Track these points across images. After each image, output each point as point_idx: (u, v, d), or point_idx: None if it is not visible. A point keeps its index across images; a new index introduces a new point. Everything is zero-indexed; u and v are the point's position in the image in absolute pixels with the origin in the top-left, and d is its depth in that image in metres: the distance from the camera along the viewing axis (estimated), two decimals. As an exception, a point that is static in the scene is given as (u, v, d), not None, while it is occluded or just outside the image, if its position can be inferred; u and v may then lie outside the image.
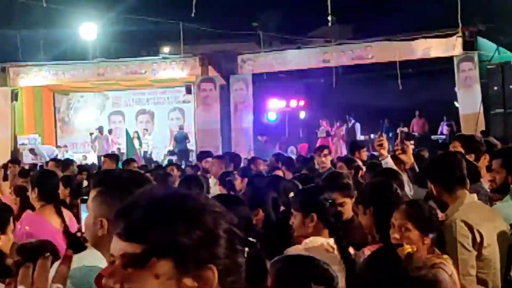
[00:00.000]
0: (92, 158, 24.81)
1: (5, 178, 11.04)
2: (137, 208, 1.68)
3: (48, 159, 21.53)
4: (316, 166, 10.96)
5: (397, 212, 4.31)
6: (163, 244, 1.62)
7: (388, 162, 6.94)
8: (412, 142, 15.35)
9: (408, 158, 6.94)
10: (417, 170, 6.97)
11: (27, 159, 22.93)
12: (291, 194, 5.16)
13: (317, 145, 18.06)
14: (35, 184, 6.15)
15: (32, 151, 23.97)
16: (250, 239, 1.79)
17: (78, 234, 3.75)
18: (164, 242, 1.62)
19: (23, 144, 24.64)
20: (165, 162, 20.91)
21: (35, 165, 19.61)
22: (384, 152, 7.07)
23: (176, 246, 1.62)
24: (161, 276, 1.62)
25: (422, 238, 4.09)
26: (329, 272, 2.97)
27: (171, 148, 27.01)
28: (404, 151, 6.90)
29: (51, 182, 6.23)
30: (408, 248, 3.23)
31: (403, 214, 4.27)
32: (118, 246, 1.68)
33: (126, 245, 1.65)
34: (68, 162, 12.82)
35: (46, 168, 13.22)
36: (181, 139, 25.92)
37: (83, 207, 3.70)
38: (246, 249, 1.75)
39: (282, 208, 5.72)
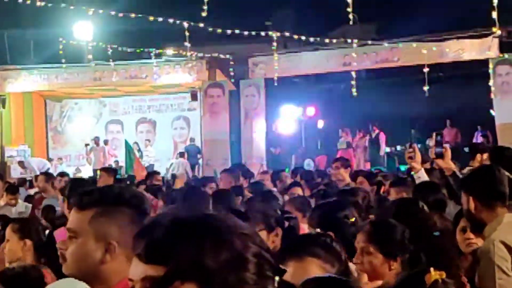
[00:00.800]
0: (87, 172, 24.81)
1: None
2: (160, 227, 1.73)
3: (38, 172, 21.38)
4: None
5: (359, 234, 4.33)
6: (187, 267, 1.66)
7: (421, 176, 6.87)
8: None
9: (447, 164, 6.74)
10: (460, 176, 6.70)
11: (16, 173, 23.39)
12: None
13: (337, 157, 17.50)
14: None
15: (21, 164, 24.20)
16: (281, 266, 1.83)
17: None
18: (189, 264, 1.66)
19: (11, 156, 24.86)
20: (169, 176, 20.92)
21: (24, 180, 19.72)
22: (416, 165, 6.99)
23: (201, 269, 1.66)
24: None
25: (388, 262, 4.02)
26: None
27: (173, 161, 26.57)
28: (441, 156, 6.69)
29: None
30: (435, 275, 3.04)
31: (365, 236, 4.27)
32: (139, 269, 1.72)
33: (148, 268, 1.70)
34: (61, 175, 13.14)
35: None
36: (194, 152, 25.73)
37: None
38: (277, 278, 1.77)
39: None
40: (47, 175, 13.61)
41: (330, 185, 10.49)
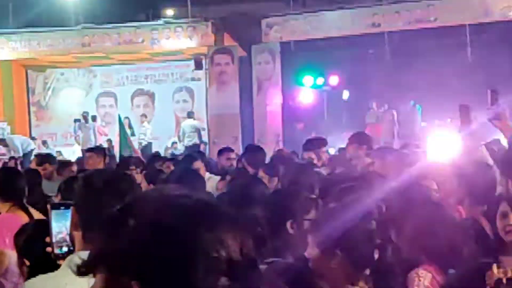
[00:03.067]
0: (76, 152, 24.92)
1: None
2: None
3: (21, 153, 21.72)
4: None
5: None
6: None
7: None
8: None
9: (506, 125, 6.61)
10: None
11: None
12: None
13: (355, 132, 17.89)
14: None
15: (2, 142, 24.27)
16: None
17: (49, 249, 3.88)
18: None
19: None
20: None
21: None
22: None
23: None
24: None
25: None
26: None
27: (175, 139, 26.92)
28: (499, 117, 6.51)
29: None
30: (499, 273, 3.15)
31: None
32: None
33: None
34: (65, 163, 13.06)
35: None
36: (190, 131, 25.42)
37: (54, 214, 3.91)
38: None
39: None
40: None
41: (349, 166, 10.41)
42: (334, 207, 4.90)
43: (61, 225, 4.01)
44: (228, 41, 24.82)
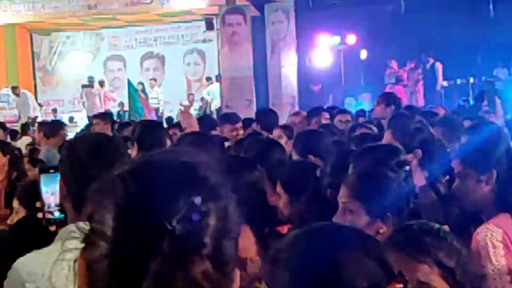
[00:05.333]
0: (84, 119, 25.00)
1: None
2: None
3: (32, 115, 22.20)
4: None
5: (342, 188, 4.36)
6: None
7: None
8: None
9: None
10: None
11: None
12: None
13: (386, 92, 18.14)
14: None
15: (16, 89, 25.46)
16: None
17: (39, 215, 3.83)
18: None
19: None
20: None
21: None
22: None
23: None
24: None
25: (376, 224, 4.04)
26: None
27: (187, 102, 26.85)
28: None
29: None
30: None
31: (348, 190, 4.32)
32: None
33: None
34: (56, 125, 12.78)
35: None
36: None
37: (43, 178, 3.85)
38: None
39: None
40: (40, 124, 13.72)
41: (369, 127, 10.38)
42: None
43: (51, 189, 3.91)
44: (240, 0, 24.55)
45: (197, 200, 1.67)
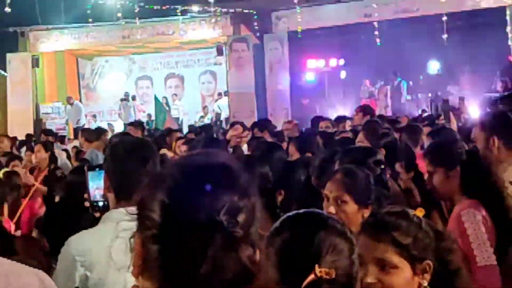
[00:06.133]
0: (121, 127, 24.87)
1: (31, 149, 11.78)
2: None
3: (82, 123, 22.25)
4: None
5: (330, 183, 4.26)
6: None
7: None
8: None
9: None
10: None
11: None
12: None
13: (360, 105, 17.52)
14: None
15: (70, 99, 25.87)
16: None
17: (87, 204, 4.03)
18: None
19: (46, 113, 25.17)
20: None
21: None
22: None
23: None
24: None
25: (362, 211, 4.01)
26: None
27: (202, 114, 27.14)
28: None
29: None
30: (419, 212, 2.96)
31: (337, 184, 4.22)
32: None
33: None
34: (99, 131, 13.05)
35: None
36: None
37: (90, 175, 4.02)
38: None
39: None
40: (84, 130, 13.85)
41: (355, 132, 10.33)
42: None
43: (96, 184, 4.05)
44: (244, 31, 24.66)
45: (236, 198, 1.68)
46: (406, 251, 2.76)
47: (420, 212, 2.92)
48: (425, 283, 2.79)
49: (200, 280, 1.64)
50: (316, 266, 2.18)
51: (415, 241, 2.83)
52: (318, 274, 2.15)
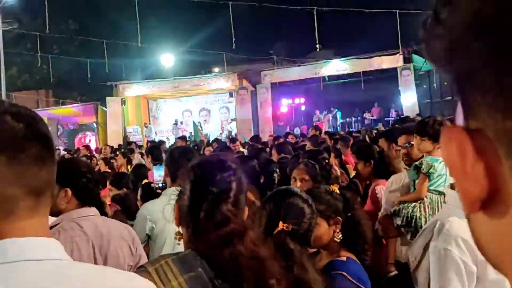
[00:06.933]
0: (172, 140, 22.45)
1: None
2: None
3: (152, 137, 22.16)
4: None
5: (297, 170, 4.06)
6: None
7: None
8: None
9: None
10: None
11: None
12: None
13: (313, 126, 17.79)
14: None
15: (146, 125, 24.44)
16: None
17: (153, 185, 4.01)
18: None
19: (130, 132, 24.15)
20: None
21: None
22: None
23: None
24: None
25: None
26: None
27: (221, 132, 25.78)
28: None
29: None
30: (335, 187, 2.69)
31: (302, 170, 4.01)
32: None
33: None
34: (160, 143, 12.82)
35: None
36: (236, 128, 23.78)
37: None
38: None
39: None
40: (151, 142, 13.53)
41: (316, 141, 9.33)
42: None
43: (158, 173, 4.07)
44: (245, 83, 23.83)
45: (232, 178, 1.62)
46: (322, 214, 2.49)
47: (335, 187, 2.70)
48: (338, 230, 2.52)
49: (211, 225, 1.55)
50: (280, 222, 2.02)
51: (328, 206, 2.56)
52: (280, 227, 1.99)
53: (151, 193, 3.95)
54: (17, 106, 1.02)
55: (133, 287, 1.04)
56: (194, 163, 1.71)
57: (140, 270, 1.47)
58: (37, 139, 0.99)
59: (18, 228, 0.96)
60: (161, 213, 3.11)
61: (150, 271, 1.43)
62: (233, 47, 20.61)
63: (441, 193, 3.74)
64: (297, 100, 29.11)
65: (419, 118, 8.71)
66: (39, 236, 0.98)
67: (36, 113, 1.05)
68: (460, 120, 0.42)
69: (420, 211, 3.82)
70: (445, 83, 19.57)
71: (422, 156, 3.83)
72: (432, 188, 3.79)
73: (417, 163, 3.88)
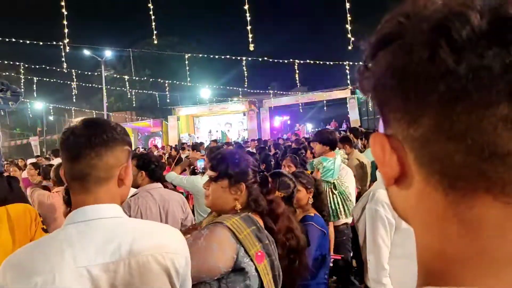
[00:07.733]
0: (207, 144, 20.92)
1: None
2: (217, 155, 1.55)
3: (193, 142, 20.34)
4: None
5: (286, 160, 3.69)
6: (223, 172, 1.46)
7: None
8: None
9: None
10: None
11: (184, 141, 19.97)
12: None
13: (295, 133, 18.33)
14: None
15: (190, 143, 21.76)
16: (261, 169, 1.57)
17: (196, 170, 3.66)
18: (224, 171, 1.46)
19: (182, 137, 22.54)
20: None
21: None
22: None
23: (229, 174, 1.45)
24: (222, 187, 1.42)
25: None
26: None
27: (238, 137, 24.19)
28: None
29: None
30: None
31: (289, 160, 3.66)
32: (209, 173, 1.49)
33: (212, 173, 1.49)
34: (200, 143, 11.78)
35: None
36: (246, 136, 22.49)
37: None
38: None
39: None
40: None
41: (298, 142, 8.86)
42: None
43: (200, 164, 3.66)
44: (253, 107, 22.98)
45: (241, 163, 1.47)
46: (303, 185, 2.35)
47: (309, 172, 2.47)
48: (311, 196, 2.39)
49: (263, 193, 1.45)
50: (277, 191, 1.95)
51: (306, 181, 2.43)
52: (277, 194, 1.83)
53: (194, 174, 3.91)
54: (104, 120, 1.01)
55: (163, 231, 1.01)
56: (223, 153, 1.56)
57: (221, 224, 1.33)
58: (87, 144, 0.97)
59: (91, 199, 0.97)
60: (200, 184, 3.06)
61: (228, 225, 1.30)
62: (245, 85, 20.17)
63: (328, 182, 3.38)
64: (285, 117, 27.99)
65: (362, 129, 8.65)
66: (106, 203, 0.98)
67: (109, 121, 1.02)
68: (381, 129, 0.43)
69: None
70: (374, 107, 19.58)
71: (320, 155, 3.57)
72: (323, 178, 3.40)
73: (313, 160, 3.67)
